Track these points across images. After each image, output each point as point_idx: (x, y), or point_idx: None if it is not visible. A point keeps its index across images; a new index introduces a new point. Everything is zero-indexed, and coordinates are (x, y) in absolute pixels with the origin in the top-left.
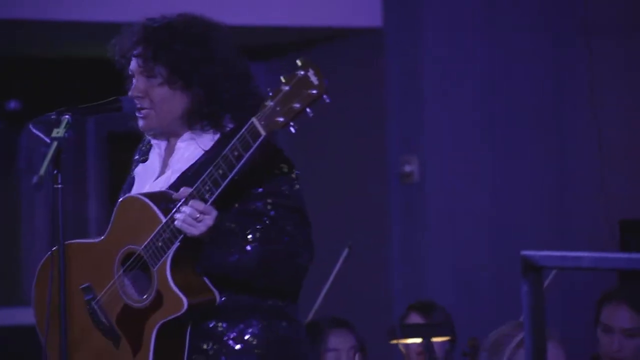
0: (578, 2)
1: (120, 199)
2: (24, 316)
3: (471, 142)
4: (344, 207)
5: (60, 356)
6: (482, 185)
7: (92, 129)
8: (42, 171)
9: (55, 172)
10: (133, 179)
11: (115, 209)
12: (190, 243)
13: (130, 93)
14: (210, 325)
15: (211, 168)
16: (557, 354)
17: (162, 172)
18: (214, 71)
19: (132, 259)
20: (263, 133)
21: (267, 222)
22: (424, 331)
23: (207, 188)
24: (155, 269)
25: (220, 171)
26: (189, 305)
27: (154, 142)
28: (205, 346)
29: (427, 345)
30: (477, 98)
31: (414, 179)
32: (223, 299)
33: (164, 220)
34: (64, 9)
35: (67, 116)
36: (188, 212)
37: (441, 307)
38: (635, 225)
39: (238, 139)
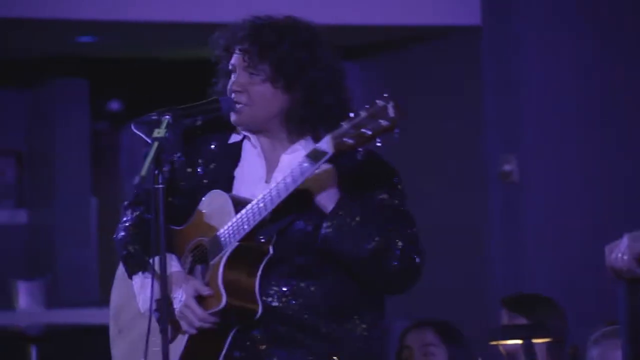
0: None
1: (210, 192)
2: None
3: (571, 140)
4: (443, 207)
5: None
6: (582, 184)
7: None
8: (143, 171)
9: (156, 172)
10: (216, 172)
11: (203, 199)
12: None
13: (229, 87)
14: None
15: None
16: None
17: (267, 181)
18: (317, 76)
19: (196, 250)
20: (330, 151)
21: (380, 222)
22: (525, 332)
23: (262, 204)
24: (212, 262)
25: (289, 179)
26: (227, 304)
27: (252, 142)
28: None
29: (527, 347)
30: (577, 96)
31: (513, 178)
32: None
33: (234, 218)
34: (166, 9)
35: (167, 116)
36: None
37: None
38: None
39: (308, 153)
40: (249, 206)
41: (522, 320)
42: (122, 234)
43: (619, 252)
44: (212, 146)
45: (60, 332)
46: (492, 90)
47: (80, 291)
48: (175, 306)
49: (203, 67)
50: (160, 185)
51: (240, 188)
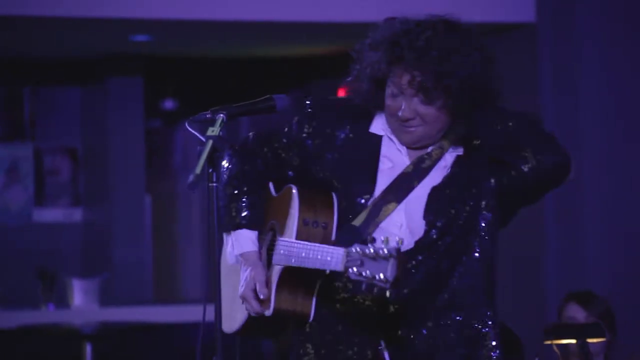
0: None
1: (295, 185)
2: (183, 314)
3: (627, 139)
4: None
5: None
6: (639, 183)
7: (246, 128)
8: (197, 170)
9: (210, 170)
10: (351, 159)
11: (290, 185)
12: None
13: (400, 113)
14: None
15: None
16: None
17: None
18: (477, 82)
19: (271, 232)
20: (340, 269)
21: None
22: (579, 332)
23: (302, 255)
24: (272, 261)
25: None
26: (276, 309)
27: (397, 146)
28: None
29: (582, 346)
30: (636, 93)
31: (569, 178)
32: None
33: (290, 239)
34: (220, 8)
35: (221, 115)
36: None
37: (603, 299)
38: None
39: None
40: (299, 245)
41: (595, 318)
42: (225, 177)
43: None
44: (347, 130)
45: (115, 330)
46: (549, 88)
47: (135, 289)
48: (240, 287)
49: (256, 66)
50: (215, 184)
51: (385, 183)
